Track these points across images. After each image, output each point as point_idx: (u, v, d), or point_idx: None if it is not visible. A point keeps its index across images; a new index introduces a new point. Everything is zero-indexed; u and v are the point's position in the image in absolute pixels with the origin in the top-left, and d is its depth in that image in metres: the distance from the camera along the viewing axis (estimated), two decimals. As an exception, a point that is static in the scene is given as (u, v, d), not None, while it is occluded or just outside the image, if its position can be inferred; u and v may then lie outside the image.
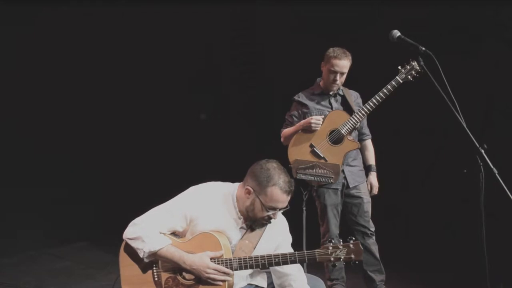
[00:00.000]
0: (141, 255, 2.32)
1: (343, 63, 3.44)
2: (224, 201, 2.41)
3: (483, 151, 2.21)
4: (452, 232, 5.06)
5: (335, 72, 3.45)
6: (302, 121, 3.50)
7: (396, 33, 2.47)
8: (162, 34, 5.79)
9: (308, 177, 3.46)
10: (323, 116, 3.48)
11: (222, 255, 2.31)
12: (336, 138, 3.46)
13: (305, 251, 2.33)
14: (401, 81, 3.35)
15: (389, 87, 3.36)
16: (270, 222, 2.40)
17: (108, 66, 5.62)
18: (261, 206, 2.32)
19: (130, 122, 6.01)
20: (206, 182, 2.46)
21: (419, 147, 5.36)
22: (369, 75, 4.18)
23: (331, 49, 3.49)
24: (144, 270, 2.41)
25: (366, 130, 3.76)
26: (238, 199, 2.40)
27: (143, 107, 6.03)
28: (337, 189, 3.55)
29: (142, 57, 5.84)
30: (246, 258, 2.32)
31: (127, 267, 2.44)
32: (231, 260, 2.31)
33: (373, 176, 3.71)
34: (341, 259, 2.24)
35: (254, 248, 2.41)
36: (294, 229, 3.79)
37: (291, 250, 2.53)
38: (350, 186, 3.57)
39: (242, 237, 2.41)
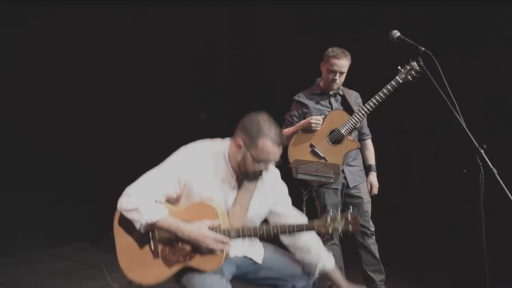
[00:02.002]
0: (137, 227, 2.29)
1: (342, 63, 3.45)
2: (216, 160, 2.37)
3: (482, 151, 2.21)
4: (452, 232, 5.06)
5: (334, 72, 3.46)
6: (302, 121, 3.51)
7: (396, 33, 2.47)
8: (162, 34, 5.79)
9: (308, 177, 3.46)
10: (323, 116, 3.48)
11: (220, 224, 2.30)
12: (336, 138, 3.46)
13: (303, 223, 2.35)
14: (401, 81, 3.36)
15: (389, 87, 3.36)
16: (262, 175, 2.38)
17: (108, 66, 5.62)
18: (252, 159, 2.29)
19: (130, 122, 6.00)
20: (196, 142, 2.41)
21: (419, 147, 5.36)
22: (369, 75, 4.18)
23: (330, 49, 3.50)
24: (140, 240, 2.38)
25: (366, 130, 3.77)
26: (229, 156, 2.36)
27: (143, 107, 6.03)
28: (337, 189, 3.55)
29: (142, 57, 5.83)
30: (244, 229, 2.31)
31: (122, 237, 2.42)
32: (229, 230, 2.30)
33: (373, 176, 3.72)
34: (339, 230, 2.27)
35: (247, 212, 2.40)
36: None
37: (288, 200, 2.56)
38: (350, 186, 3.57)
39: (234, 202, 2.38)
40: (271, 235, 2.32)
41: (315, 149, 3.46)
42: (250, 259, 2.49)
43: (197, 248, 2.30)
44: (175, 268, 2.35)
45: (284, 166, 3.49)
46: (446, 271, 4.52)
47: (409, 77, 3.34)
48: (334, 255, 3.54)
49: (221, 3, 5.42)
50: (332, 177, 3.44)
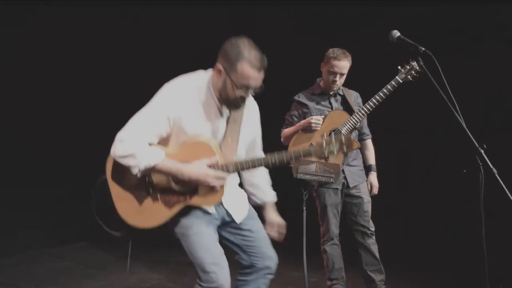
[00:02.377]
0: (135, 172, 2.23)
1: (343, 64, 3.44)
2: (201, 92, 2.32)
3: (482, 151, 2.21)
4: (452, 232, 5.06)
5: (335, 73, 3.46)
6: (302, 121, 3.50)
7: (396, 33, 2.47)
8: (162, 34, 5.79)
9: (308, 177, 3.46)
10: (323, 116, 3.48)
11: (218, 161, 2.28)
12: (336, 138, 3.46)
13: (301, 150, 2.30)
14: (401, 81, 3.35)
15: (389, 87, 3.36)
16: (243, 103, 2.32)
17: (108, 66, 5.62)
18: (232, 84, 2.23)
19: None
20: (178, 77, 2.35)
21: (419, 147, 5.36)
22: (369, 75, 4.18)
23: (330, 50, 3.49)
24: (136, 186, 2.35)
25: (366, 130, 3.77)
26: (213, 86, 2.31)
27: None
28: (337, 189, 3.55)
29: (142, 57, 5.83)
30: (242, 163, 2.30)
31: (118, 186, 2.37)
32: (227, 165, 2.28)
33: (373, 176, 3.72)
34: (334, 152, 2.25)
35: (237, 144, 2.40)
36: (294, 229, 3.81)
37: (260, 140, 2.60)
38: (350, 186, 3.57)
39: (224, 135, 2.37)
40: (269, 165, 2.31)
41: (315, 149, 3.46)
42: (230, 215, 2.48)
43: (197, 187, 2.30)
44: (176, 209, 2.33)
45: (284, 166, 3.50)
46: (446, 271, 4.52)
47: (409, 77, 3.34)
48: (334, 255, 3.59)
49: (221, 3, 5.42)
50: (332, 177, 3.44)
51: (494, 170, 2.18)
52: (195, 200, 2.32)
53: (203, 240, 2.35)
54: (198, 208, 2.37)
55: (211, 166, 2.27)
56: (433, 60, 2.31)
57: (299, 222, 3.49)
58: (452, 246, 4.89)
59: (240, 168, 2.30)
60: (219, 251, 2.37)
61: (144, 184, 2.34)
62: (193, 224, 2.36)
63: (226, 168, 2.28)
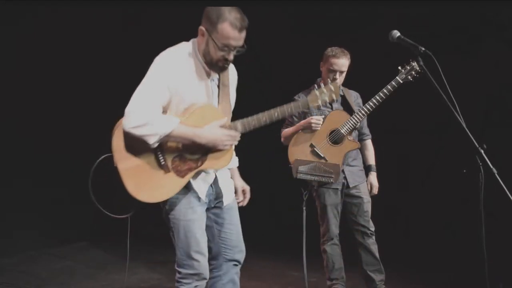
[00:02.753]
0: (152, 141, 2.23)
1: (342, 62, 3.45)
2: (191, 60, 2.38)
3: (482, 151, 2.21)
4: (452, 232, 5.06)
5: (334, 71, 3.46)
6: (303, 121, 3.51)
7: (396, 33, 2.47)
8: (162, 34, 5.78)
9: (308, 177, 3.46)
10: (323, 116, 3.48)
11: (226, 121, 2.37)
12: (336, 138, 3.47)
13: (300, 101, 2.45)
14: (401, 81, 3.36)
15: (389, 87, 3.36)
16: (227, 64, 2.38)
17: (109, 66, 5.62)
18: (214, 45, 2.28)
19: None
20: (166, 50, 2.39)
21: (419, 147, 5.36)
22: (369, 75, 4.18)
23: (329, 49, 3.50)
24: (147, 159, 2.33)
25: (366, 130, 3.77)
26: (199, 50, 2.37)
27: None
28: (337, 189, 3.56)
29: (142, 57, 5.81)
30: (249, 120, 2.38)
31: (126, 161, 2.33)
32: (235, 125, 2.37)
33: (373, 176, 3.72)
34: (326, 101, 2.44)
35: (231, 107, 2.50)
36: (295, 229, 3.81)
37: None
38: (350, 186, 3.57)
39: (219, 99, 2.43)
40: (273, 120, 2.39)
41: (315, 149, 3.46)
42: (217, 199, 2.53)
43: (207, 151, 2.36)
44: (189, 176, 2.37)
45: (284, 166, 3.50)
46: (446, 271, 4.53)
47: (409, 77, 3.34)
48: (334, 255, 3.60)
49: (220, 3, 5.42)
50: (332, 177, 3.44)
51: (494, 170, 2.18)
52: (206, 165, 2.39)
53: (193, 228, 2.41)
54: (192, 193, 2.42)
55: (222, 127, 2.35)
56: (433, 60, 2.31)
57: (299, 222, 3.49)
58: (452, 246, 4.89)
59: (247, 126, 2.38)
60: (205, 241, 2.45)
61: (155, 157, 2.35)
62: (187, 211, 2.41)
63: (235, 128, 2.37)
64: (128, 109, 2.25)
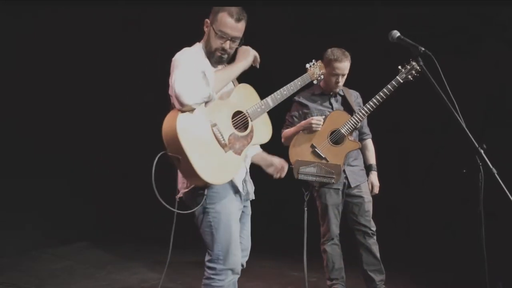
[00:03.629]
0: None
1: (344, 65, 3.45)
2: (202, 55, 2.52)
3: (482, 151, 2.21)
4: (452, 232, 5.06)
5: (337, 75, 3.46)
6: (303, 122, 3.50)
7: (396, 33, 2.47)
8: (162, 34, 5.79)
9: (309, 178, 3.45)
10: (323, 117, 3.48)
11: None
12: (337, 139, 3.46)
13: (301, 77, 2.75)
14: (401, 81, 3.36)
15: (389, 87, 3.36)
16: (224, 55, 2.51)
17: (109, 66, 5.62)
18: (213, 33, 2.46)
19: (132, 122, 6.01)
20: (181, 50, 2.51)
21: (419, 147, 5.36)
22: (369, 75, 4.18)
23: (329, 51, 3.49)
24: (210, 142, 2.39)
25: (366, 130, 3.77)
26: (204, 45, 2.54)
27: (145, 107, 6.03)
28: (338, 189, 3.55)
29: (142, 57, 5.83)
30: (276, 95, 2.62)
31: (195, 148, 2.33)
32: (267, 101, 2.61)
33: (374, 176, 3.71)
34: (322, 75, 2.85)
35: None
36: (295, 229, 3.81)
37: None
38: (352, 186, 3.57)
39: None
40: (290, 91, 2.68)
41: (316, 149, 3.46)
42: (248, 194, 2.61)
43: (252, 129, 2.52)
44: (243, 154, 2.49)
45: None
46: (446, 271, 4.53)
47: (409, 77, 3.34)
48: (334, 255, 3.59)
49: (220, 3, 5.42)
50: (334, 178, 3.44)
51: (494, 170, 2.18)
52: (254, 140, 2.55)
53: (233, 222, 2.47)
54: (231, 185, 2.49)
55: None
56: (432, 60, 2.31)
57: (299, 222, 3.49)
58: (452, 246, 4.89)
59: (275, 100, 2.62)
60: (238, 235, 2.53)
61: (215, 136, 2.41)
62: (228, 205, 2.46)
63: (267, 104, 2.59)
64: (179, 88, 2.31)
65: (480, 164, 2.21)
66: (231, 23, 2.44)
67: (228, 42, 2.47)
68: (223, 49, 2.48)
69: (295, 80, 2.72)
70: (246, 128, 2.52)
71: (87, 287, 4.18)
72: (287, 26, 5.70)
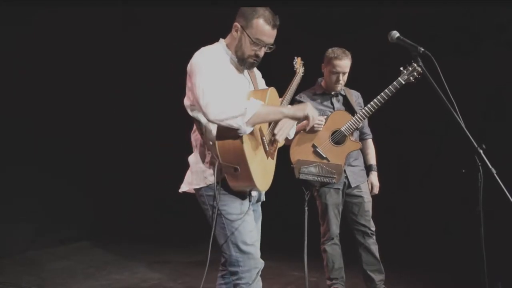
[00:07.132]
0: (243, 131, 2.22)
1: (345, 63, 3.45)
2: (227, 57, 2.45)
3: (481, 151, 2.21)
4: (452, 232, 5.07)
5: (337, 73, 3.46)
6: (304, 121, 3.50)
7: (395, 34, 2.47)
8: (162, 34, 5.79)
9: (310, 177, 3.46)
10: (325, 117, 3.48)
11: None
12: (338, 139, 3.47)
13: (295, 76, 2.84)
14: (403, 82, 3.35)
15: (391, 88, 3.36)
16: (257, 61, 2.45)
17: (109, 66, 5.62)
18: (248, 40, 2.37)
19: (132, 122, 6.01)
20: (200, 50, 2.41)
21: (418, 147, 5.36)
22: (369, 75, 4.18)
23: (330, 50, 3.50)
24: (259, 146, 2.39)
25: (367, 130, 3.77)
26: (230, 47, 2.45)
27: (145, 108, 6.03)
28: (339, 188, 3.56)
29: (142, 57, 5.83)
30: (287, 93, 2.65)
31: (252, 157, 2.29)
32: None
33: (374, 176, 3.72)
34: (301, 70, 2.93)
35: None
36: (295, 229, 3.82)
37: None
38: (352, 186, 3.57)
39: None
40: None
41: (317, 149, 3.47)
42: (260, 197, 2.62)
43: (277, 130, 2.46)
44: (275, 157, 2.52)
45: (286, 166, 3.50)
46: (446, 271, 4.53)
47: (411, 78, 3.34)
48: (334, 255, 3.60)
49: (221, 3, 5.42)
50: (335, 178, 3.44)
51: (493, 170, 2.19)
52: (279, 144, 2.55)
53: (248, 222, 2.42)
54: (245, 192, 2.45)
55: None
56: (432, 61, 2.32)
57: (299, 222, 3.49)
58: (451, 246, 4.89)
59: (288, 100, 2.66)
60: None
61: (263, 145, 2.42)
62: (239, 206, 2.41)
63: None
64: (207, 102, 2.20)
65: (480, 164, 2.21)
66: (269, 31, 2.37)
67: (263, 48, 2.41)
68: (257, 56, 2.42)
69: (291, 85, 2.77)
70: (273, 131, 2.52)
71: (87, 286, 4.18)
72: (287, 26, 5.69)
